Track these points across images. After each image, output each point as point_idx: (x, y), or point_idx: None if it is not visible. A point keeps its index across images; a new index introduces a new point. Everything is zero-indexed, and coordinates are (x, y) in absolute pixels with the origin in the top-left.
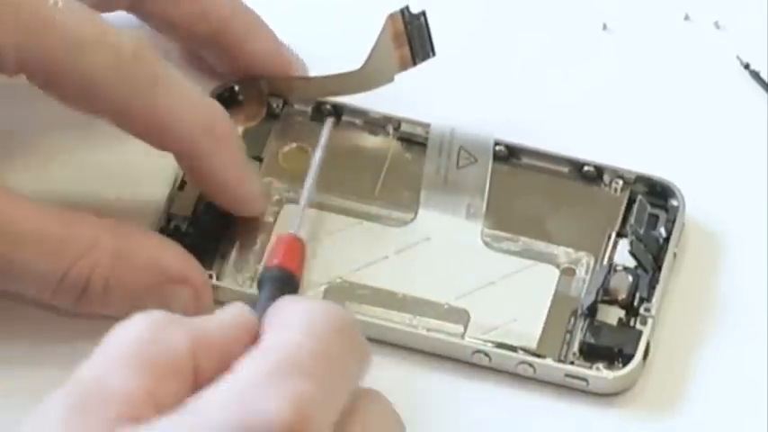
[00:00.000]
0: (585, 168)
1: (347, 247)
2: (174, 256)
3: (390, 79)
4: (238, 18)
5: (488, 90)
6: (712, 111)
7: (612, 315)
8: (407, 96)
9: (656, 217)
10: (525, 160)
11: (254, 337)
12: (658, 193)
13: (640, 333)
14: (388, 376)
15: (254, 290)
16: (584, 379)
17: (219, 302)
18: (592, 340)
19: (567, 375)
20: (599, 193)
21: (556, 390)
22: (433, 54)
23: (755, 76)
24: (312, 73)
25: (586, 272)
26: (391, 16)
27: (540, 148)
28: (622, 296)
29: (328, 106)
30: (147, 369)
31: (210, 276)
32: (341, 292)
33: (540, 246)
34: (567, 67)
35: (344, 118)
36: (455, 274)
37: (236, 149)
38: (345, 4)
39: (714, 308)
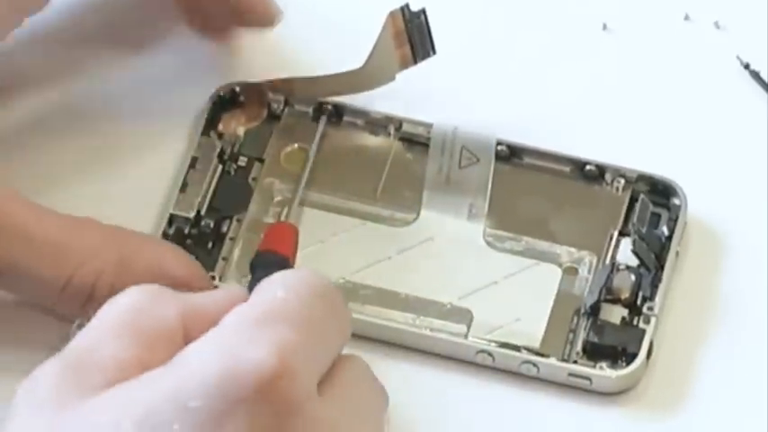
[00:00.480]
0: (587, 168)
1: (350, 248)
2: (177, 260)
3: (391, 78)
4: None
5: (490, 90)
6: (712, 111)
7: (615, 314)
8: (409, 96)
9: (659, 216)
10: (527, 160)
11: None
12: (660, 192)
13: (643, 332)
14: (390, 376)
15: None
16: (588, 378)
17: None
18: (595, 339)
19: (570, 375)
20: (601, 193)
21: (559, 389)
22: (434, 52)
23: (755, 76)
24: (313, 73)
25: (589, 271)
26: (392, 15)
27: (542, 148)
28: (625, 295)
29: (329, 107)
30: (139, 338)
31: (213, 278)
32: (344, 293)
33: (543, 245)
34: (567, 66)
35: (346, 118)
36: (458, 273)
37: None
38: (346, 3)
39: (717, 306)
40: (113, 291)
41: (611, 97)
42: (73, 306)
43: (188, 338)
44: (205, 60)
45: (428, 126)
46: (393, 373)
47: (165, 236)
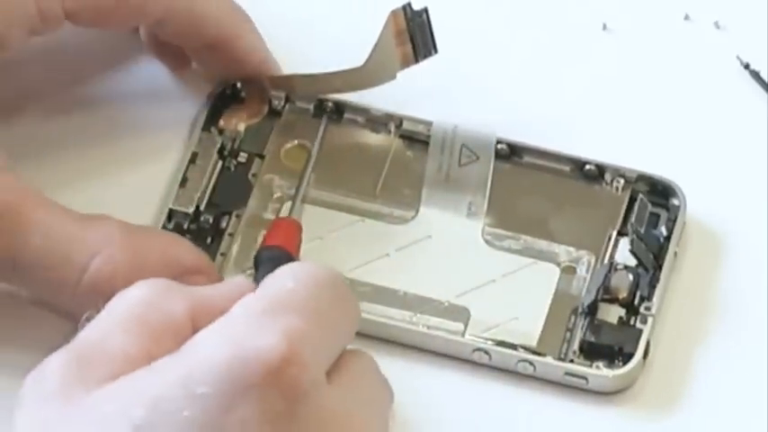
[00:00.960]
0: (587, 167)
1: (348, 245)
2: (186, 248)
3: (392, 77)
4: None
5: (490, 89)
6: (712, 111)
7: (613, 314)
8: (409, 94)
9: (657, 216)
10: (527, 159)
11: None
12: (659, 192)
13: (640, 332)
14: (387, 374)
15: None
16: (584, 377)
17: None
18: (592, 339)
19: (567, 374)
20: (600, 192)
21: (556, 388)
22: (436, 51)
23: (755, 76)
24: (314, 71)
25: (587, 270)
26: (393, 13)
27: (542, 147)
28: (623, 295)
29: (330, 104)
30: (147, 331)
31: None
32: None
33: (541, 244)
34: (567, 66)
35: (346, 115)
36: (456, 271)
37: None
38: (347, 2)
39: (714, 307)
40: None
41: (610, 97)
42: (89, 302)
43: (196, 332)
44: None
45: (428, 124)
46: (390, 370)
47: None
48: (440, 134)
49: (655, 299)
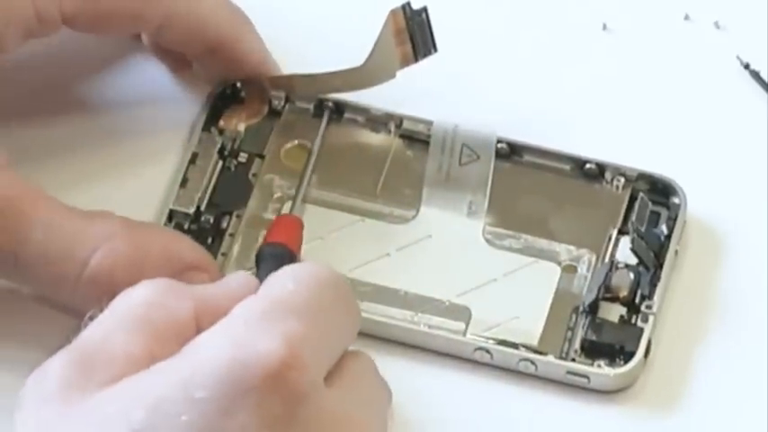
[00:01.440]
0: (587, 166)
1: (349, 245)
2: (187, 245)
3: (392, 76)
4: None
5: (490, 88)
6: (712, 110)
7: (614, 312)
8: (409, 94)
9: (658, 214)
10: (527, 158)
11: None
12: (660, 191)
13: (642, 330)
14: (389, 373)
15: None
16: (586, 376)
17: None
18: (593, 337)
19: (568, 372)
20: (600, 191)
21: (557, 387)
22: (435, 50)
23: (755, 76)
24: (314, 71)
25: (588, 269)
26: (393, 12)
27: (542, 146)
28: (624, 293)
29: (330, 104)
30: (151, 331)
31: None
32: None
33: (542, 243)
34: (567, 66)
35: (346, 115)
36: (457, 271)
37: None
38: (347, 2)
39: (715, 305)
40: (131, 277)
41: (611, 97)
42: (90, 297)
43: (200, 332)
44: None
45: (429, 123)
46: (391, 369)
47: None
48: (440, 133)
49: (656, 297)
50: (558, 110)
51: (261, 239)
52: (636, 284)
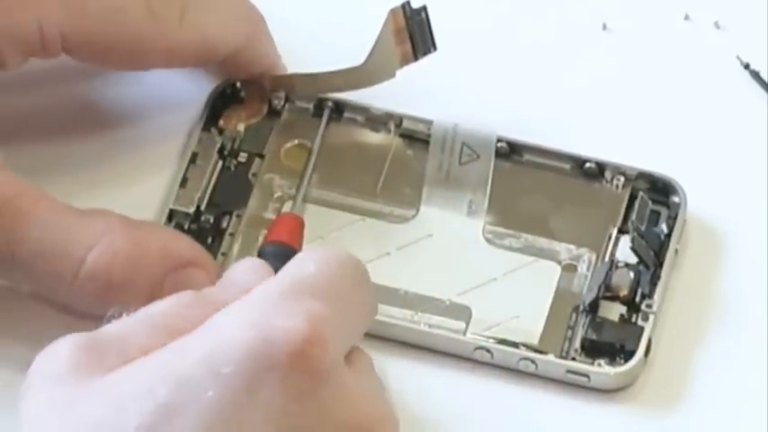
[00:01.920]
0: (587, 165)
1: (349, 244)
2: (186, 243)
3: (392, 75)
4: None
5: (490, 87)
6: (712, 110)
7: (614, 311)
8: (409, 93)
9: (658, 213)
10: (527, 157)
11: None
12: (660, 190)
13: (642, 329)
14: (389, 372)
15: None
16: (586, 375)
17: None
18: (593, 336)
19: (568, 371)
20: (600, 190)
21: (557, 386)
22: (435, 49)
23: (755, 76)
24: (313, 70)
25: (588, 268)
26: (392, 12)
27: (542, 145)
28: (624, 292)
29: (330, 103)
30: (168, 335)
31: None
32: None
33: (542, 242)
34: (567, 65)
35: (346, 115)
36: (457, 270)
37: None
38: (347, 2)
39: (715, 304)
40: (128, 273)
41: (611, 96)
42: (87, 294)
43: None
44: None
45: (428, 123)
46: (391, 369)
47: None
48: (440, 133)
49: (656, 296)
50: (558, 109)
51: (261, 239)
52: (636, 283)
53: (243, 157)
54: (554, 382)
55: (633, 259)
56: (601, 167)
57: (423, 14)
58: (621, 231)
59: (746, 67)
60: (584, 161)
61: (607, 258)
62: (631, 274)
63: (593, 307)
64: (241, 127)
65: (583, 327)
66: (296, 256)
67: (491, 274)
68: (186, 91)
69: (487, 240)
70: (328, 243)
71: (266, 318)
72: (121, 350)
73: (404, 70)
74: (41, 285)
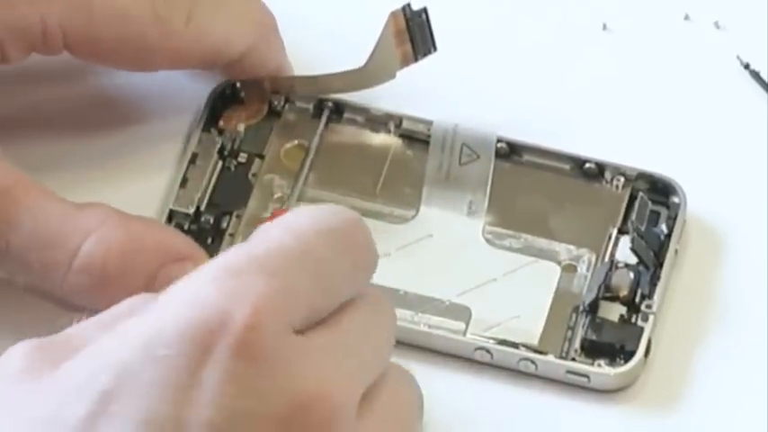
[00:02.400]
0: (587, 165)
1: None
2: (179, 237)
3: (392, 76)
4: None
5: (490, 88)
6: (712, 110)
7: (614, 312)
8: (409, 94)
9: (658, 214)
10: (527, 157)
11: None
12: (659, 190)
13: (642, 330)
14: None
15: None
16: (586, 375)
17: None
18: (593, 337)
19: (568, 372)
20: (600, 190)
21: (557, 386)
22: (435, 50)
23: (755, 76)
24: (314, 71)
25: (588, 269)
26: (393, 14)
27: (542, 146)
28: (624, 293)
29: (330, 104)
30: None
31: None
32: None
33: (542, 243)
34: (567, 66)
35: (346, 115)
36: (457, 270)
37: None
38: (347, 3)
39: (715, 304)
40: (123, 266)
41: (610, 96)
42: (81, 286)
43: None
44: None
45: (428, 123)
46: None
47: None
48: (440, 133)
49: (656, 297)
50: (558, 110)
51: None
52: (636, 284)
53: (243, 157)
54: (554, 383)
55: (633, 260)
56: (601, 168)
57: (423, 16)
58: (621, 232)
59: (746, 67)
60: (584, 161)
61: (607, 259)
62: (631, 275)
63: (592, 307)
64: (241, 127)
65: (583, 327)
66: (266, 224)
67: (491, 274)
68: (186, 91)
69: (487, 241)
70: None
71: (206, 298)
72: (72, 345)
73: (404, 71)
74: (36, 276)
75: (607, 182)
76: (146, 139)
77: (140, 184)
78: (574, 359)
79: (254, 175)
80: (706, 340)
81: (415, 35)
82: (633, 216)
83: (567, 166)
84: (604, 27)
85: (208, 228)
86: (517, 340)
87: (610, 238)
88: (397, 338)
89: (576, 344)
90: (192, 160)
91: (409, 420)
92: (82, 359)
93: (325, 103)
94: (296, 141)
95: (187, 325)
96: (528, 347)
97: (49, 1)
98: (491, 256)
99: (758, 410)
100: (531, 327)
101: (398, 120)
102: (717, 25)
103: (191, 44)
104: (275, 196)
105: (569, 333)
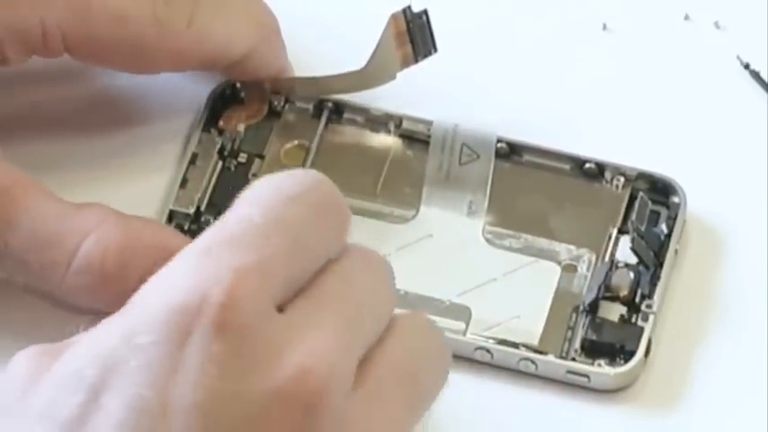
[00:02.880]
0: (587, 165)
1: None
2: (177, 236)
3: (393, 77)
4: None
5: (490, 88)
6: (712, 110)
7: (614, 312)
8: (409, 94)
9: (658, 214)
10: (527, 157)
11: None
12: (659, 190)
13: (642, 329)
14: None
15: None
16: (586, 375)
17: None
18: (593, 337)
19: (568, 372)
20: (600, 190)
21: (557, 386)
22: (435, 51)
23: (755, 76)
24: (314, 73)
25: (588, 268)
26: (393, 16)
27: (542, 146)
28: (624, 293)
29: (330, 104)
30: None
31: None
32: None
33: (542, 242)
34: (567, 66)
35: (346, 115)
36: (457, 270)
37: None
38: (347, 4)
39: (715, 304)
40: (122, 265)
41: (610, 96)
42: (80, 285)
43: None
44: None
45: (428, 123)
46: None
47: None
48: (440, 133)
49: (656, 296)
50: (558, 110)
51: None
52: (636, 284)
53: (243, 157)
54: (554, 383)
55: (633, 259)
56: (600, 168)
57: (423, 18)
58: (621, 232)
59: (746, 67)
60: (584, 161)
61: (607, 259)
62: (631, 275)
63: (593, 307)
64: (241, 127)
65: (583, 327)
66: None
67: (491, 274)
68: (186, 91)
69: (487, 241)
70: None
71: (181, 282)
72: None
73: (404, 71)
74: (35, 277)
75: (607, 182)
76: (146, 140)
77: (140, 185)
78: (574, 359)
79: (254, 175)
80: (706, 340)
81: (415, 37)
82: (633, 216)
83: (567, 166)
84: (604, 27)
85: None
86: (517, 340)
87: (610, 237)
88: None
89: (577, 344)
90: (192, 160)
91: (419, 376)
92: (70, 354)
93: (325, 104)
94: (296, 141)
95: (165, 310)
96: (528, 347)
97: (48, 3)
98: (491, 256)
99: (758, 410)
100: (532, 327)
101: (398, 120)
102: (717, 25)
103: (192, 46)
104: None
105: (569, 333)
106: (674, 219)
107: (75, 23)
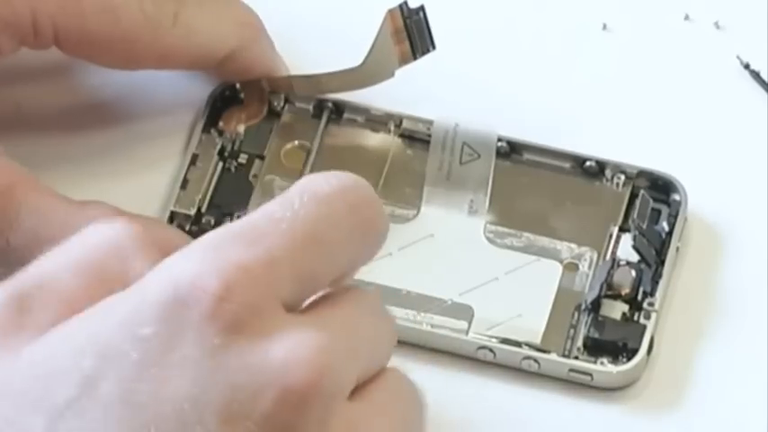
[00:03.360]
0: (587, 164)
1: None
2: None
3: (391, 75)
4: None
5: (491, 87)
6: (712, 110)
7: (616, 310)
8: (409, 93)
9: (659, 212)
10: (527, 156)
11: None
12: (660, 188)
13: (644, 327)
14: None
15: None
16: (589, 374)
17: None
18: (596, 335)
19: (571, 370)
20: (601, 189)
21: (560, 385)
22: (434, 48)
23: (755, 76)
24: (312, 71)
25: (589, 267)
26: (390, 12)
27: (543, 144)
28: (626, 291)
29: (330, 104)
30: (102, 281)
31: None
32: None
33: (543, 241)
34: (567, 65)
35: (346, 115)
36: (458, 270)
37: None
38: (343, 1)
39: (717, 302)
40: None
41: (611, 96)
42: None
43: None
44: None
45: (428, 123)
46: None
47: None
48: (441, 132)
49: (658, 294)
50: (559, 109)
51: None
52: (638, 282)
53: (243, 158)
54: (557, 381)
55: (635, 257)
56: (601, 166)
57: (420, 14)
58: (622, 230)
59: (746, 67)
60: (585, 160)
61: (608, 257)
62: (633, 273)
63: (595, 305)
64: (241, 128)
65: (585, 325)
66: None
67: (493, 273)
68: (186, 92)
69: (489, 240)
70: None
71: (182, 273)
72: (49, 302)
73: (403, 70)
74: None
75: (608, 180)
76: (146, 140)
77: (141, 186)
78: (576, 357)
79: (254, 176)
80: (708, 337)
81: (412, 33)
82: (634, 214)
83: (567, 165)
84: (604, 27)
85: (209, 229)
86: (520, 339)
87: (611, 236)
88: (400, 338)
89: (579, 342)
90: (193, 161)
91: (409, 419)
92: (65, 336)
93: (325, 104)
94: (296, 142)
95: (164, 301)
96: (531, 346)
97: None
98: (493, 255)
99: (760, 407)
100: (534, 325)
101: (398, 120)
102: (717, 25)
103: (177, 41)
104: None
105: (572, 331)
106: (676, 216)
107: (67, 16)
